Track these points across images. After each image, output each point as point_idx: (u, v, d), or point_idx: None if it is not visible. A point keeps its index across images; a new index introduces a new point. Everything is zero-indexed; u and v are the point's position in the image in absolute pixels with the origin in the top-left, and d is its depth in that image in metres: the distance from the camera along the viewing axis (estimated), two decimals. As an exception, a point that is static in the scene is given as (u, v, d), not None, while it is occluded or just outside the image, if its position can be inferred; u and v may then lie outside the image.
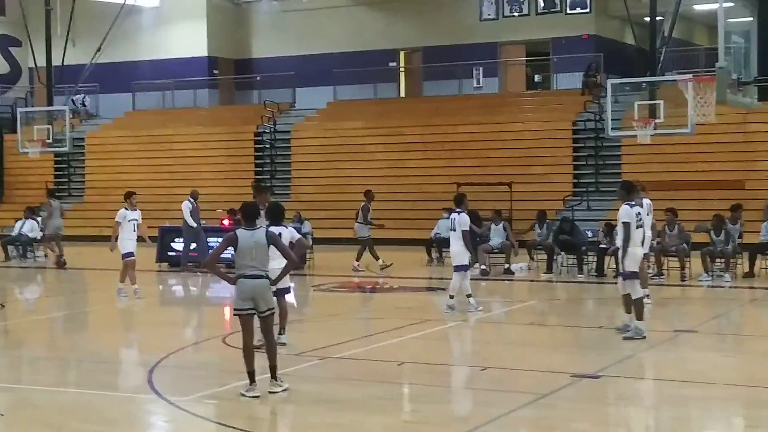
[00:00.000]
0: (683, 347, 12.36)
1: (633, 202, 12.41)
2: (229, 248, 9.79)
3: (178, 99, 37.01)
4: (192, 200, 22.31)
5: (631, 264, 12.27)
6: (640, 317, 12.27)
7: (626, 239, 12.17)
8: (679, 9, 22.81)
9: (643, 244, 12.98)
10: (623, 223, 12.20)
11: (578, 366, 10.88)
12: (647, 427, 8.92)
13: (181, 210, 22.46)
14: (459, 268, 14.70)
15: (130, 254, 17.14)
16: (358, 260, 21.31)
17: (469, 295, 14.78)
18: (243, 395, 9.41)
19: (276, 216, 11.52)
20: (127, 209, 17.17)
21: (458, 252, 14.67)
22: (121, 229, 17.09)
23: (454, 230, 14.75)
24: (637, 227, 12.33)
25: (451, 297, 14.79)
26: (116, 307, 16.79)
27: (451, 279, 15.00)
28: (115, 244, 17.20)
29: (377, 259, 21.22)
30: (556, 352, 11.84)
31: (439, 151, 30.25)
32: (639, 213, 12.46)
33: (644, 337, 12.11)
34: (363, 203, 22.16)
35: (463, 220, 14.58)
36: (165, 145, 34.28)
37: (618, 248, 12.50)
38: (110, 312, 16.62)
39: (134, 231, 17.23)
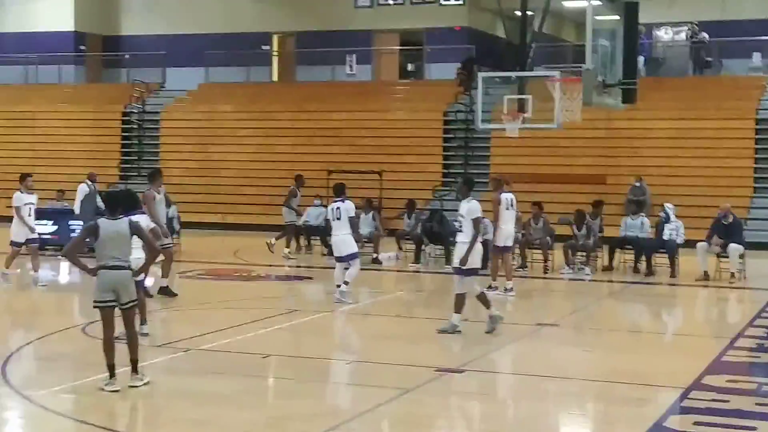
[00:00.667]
0: (545, 341, 12.65)
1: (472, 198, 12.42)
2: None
3: (42, 74, 35.74)
4: (90, 182, 21.31)
5: (477, 260, 12.28)
6: (458, 310, 12.31)
7: (476, 236, 12.10)
8: (549, 5, 23.26)
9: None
10: (477, 218, 12.13)
11: (443, 360, 11.01)
12: (507, 423, 9.08)
13: (74, 192, 21.52)
14: (351, 256, 14.74)
15: (22, 243, 16.41)
16: (287, 247, 20.96)
17: (346, 283, 14.77)
18: (102, 389, 9.17)
19: (131, 203, 11.17)
20: (22, 192, 16.41)
21: (346, 240, 14.66)
22: (16, 214, 16.36)
23: (339, 219, 14.74)
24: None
25: (338, 286, 14.75)
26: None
27: (333, 268, 14.95)
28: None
29: (288, 247, 20.97)
30: (421, 346, 11.94)
31: (310, 137, 30.12)
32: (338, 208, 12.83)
33: (459, 332, 12.20)
34: (291, 187, 21.84)
35: (348, 206, 14.72)
36: (27, 122, 33.10)
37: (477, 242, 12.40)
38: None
39: (29, 215, 16.46)
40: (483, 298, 12.50)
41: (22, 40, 36.00)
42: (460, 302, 12.24)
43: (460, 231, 12.26)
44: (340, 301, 14.59)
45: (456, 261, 12.30)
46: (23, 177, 16.74)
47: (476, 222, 12.10)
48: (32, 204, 16.59)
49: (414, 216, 21.22)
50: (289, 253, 20.81)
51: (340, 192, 15.03)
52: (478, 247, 12.30)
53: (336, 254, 15.07)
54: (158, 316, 13.91)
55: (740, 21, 30.62)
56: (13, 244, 16.50)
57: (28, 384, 9.61)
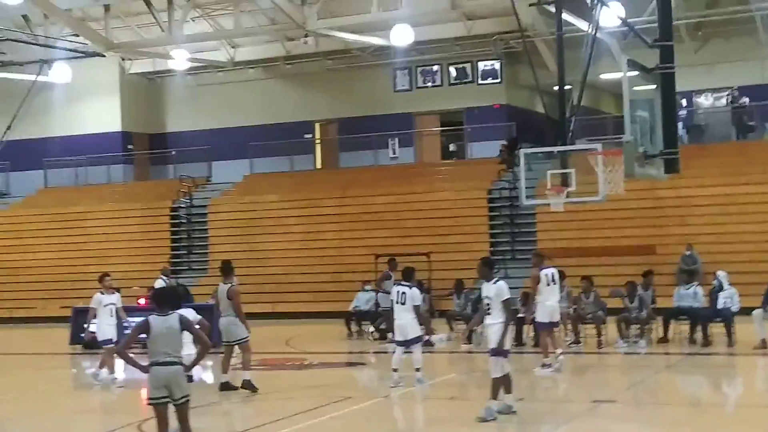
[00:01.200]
0: (602, 418, 12.42)
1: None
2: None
3: (91, 175, 36.55)
4: (165, 278, 21.45)
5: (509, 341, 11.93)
6: (494, 396, 11.81)
7: (509, 318, 11.74)
8: (586, 79, 23.35)
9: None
10: (507, 300, 11.71)
11: (499, 442, 10.84)
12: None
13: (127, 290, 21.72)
14: (416, 340, 14.77)
15: (109, 341, 16.36)
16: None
17: (418, 369, 14.79)
18: (159, 487, 9.14)
19: (175, 300, 11.23)
20: (102, 293, 16.46)
21: (411, 324, 14.62)
22: (99, 315, 16.34)
23: (404, 303, 14.69)
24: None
25: (395, 370, 14.71)
26: (29, 394, 16.24)
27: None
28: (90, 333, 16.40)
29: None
30: (478, 428, 11.77)
31: (355, 222, 30.33)
32: (403, 293, 12.74)
33: (495, 419, 11.63)
34: (385, 271, 21.92)
35: (415, 294, 14.62)
36: (77, 222, 33.74)
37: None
38: (22, 399, 16.06)
39: (111, 316, 16.41)
40: (507, 382, 11.95)
41: (71, 143, 36.91)
42: (496, 387, 11.80)
43: (488, 313, 11.82)
44: (420, 381, 14.65)
45: (491, 344, 11.85)
46: (101, 277, 16.68)
47: (507, 304, 11.69)
48: (113, 304, 16.53)
49: (463, 295, 21.14)
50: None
51: (409, 277, 15.07)
52: (511, 329, 12.02)
53: (400, 338, 14.95)
54: (211, 409, 13.90)
55: (780, 84, 30.54)
56: (101, 342, 16.37)
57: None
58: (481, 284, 12.07)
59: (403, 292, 14.71)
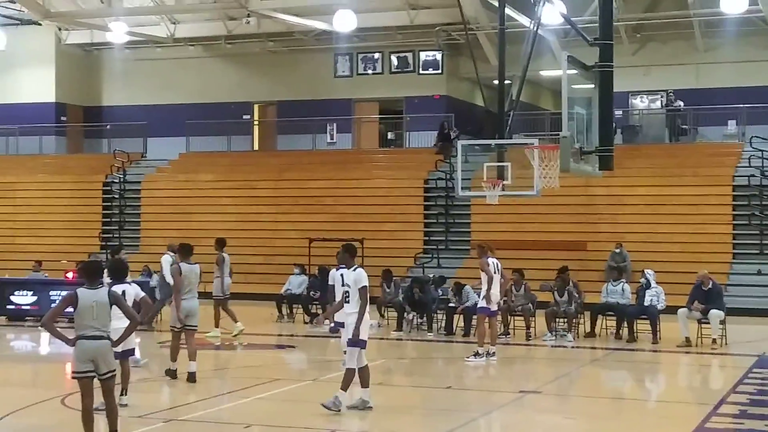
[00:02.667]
0: (527, 408, 12.59)
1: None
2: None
3: (23, 146, 35.81)
4: (171, 254, 20.48)
5: (365, 332, 11.50)
6: (344, 387, 11.52)
7: (365, 305, 11.41)
8: (526, 74, 23.55)
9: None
10: (364, 287, 11.40)
11: (426, 429, 10.94)
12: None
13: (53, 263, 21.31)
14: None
15: None
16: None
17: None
18: (81, 462, 9.05)
19: (118, 273, 11.23)
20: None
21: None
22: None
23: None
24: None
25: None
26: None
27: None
28: None
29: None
30: (403, 414, 11.85)
31: (291, 206, 30.22)
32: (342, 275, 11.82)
33: (339, 411, 11.42)
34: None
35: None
36: (7, 193, 33.08)
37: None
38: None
39: None
40: (364, 374, 11.64)
41: (3, 112, 36.13)
42: (348, 378, 11.48)
43: (347, 302, 11.53)
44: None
45: (348, 333, 11.50)
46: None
47: (363, 291, 11.37)
48: None
49: (393, 284, 21.23)
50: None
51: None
52: (368, 319, 11.56)
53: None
54: (139, 386, 13.77)
55: (714, 89, 31.09)
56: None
57: (6, 457, 9.47)
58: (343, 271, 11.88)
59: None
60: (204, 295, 16.63)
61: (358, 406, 11.60)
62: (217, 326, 19.22)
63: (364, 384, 11.61)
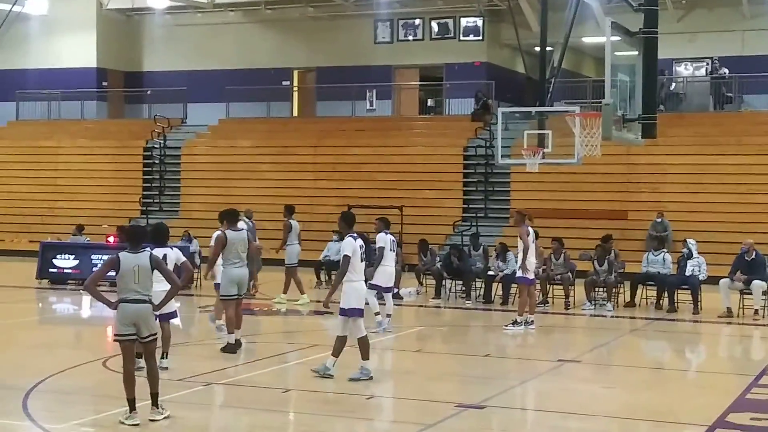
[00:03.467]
0: (566, 377, 12.54)
1: (355, 234, 11.57)
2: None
3: (64, 110, 36.10)
4: (247, 220, 19.71)
5: (355, 300, 11.41)
6: (365, 356, 11.48)
7: (341, 273, 11.39)
8: (568, 41, 23.31)
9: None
10: (345, 255, 11.38)
11: (463, 396, 10.93)
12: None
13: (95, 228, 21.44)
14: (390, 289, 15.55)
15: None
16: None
17: (389, 315, 15.48)
18: (122, 423, 9.16)
19: (160, 237, 11.32)
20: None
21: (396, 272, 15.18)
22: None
23: (393, 250, 15.45)
24: (361, 260, 11.50)
25: (377, 314, 15.18)
26: (-8, 326, 16.18)
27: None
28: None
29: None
30: (441, 381, 11.86)
31: (330, 173, 30.22)
32: (362, 246, 11.56)
33: (371, 377, 11.35)
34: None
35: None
36: (48, 157, 33.35)
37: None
38: (-15, 331, 15.99)
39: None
40: (362, 345, 11.54)
41: (46, 77, 36.37)
42: (339, 345, 11.49)
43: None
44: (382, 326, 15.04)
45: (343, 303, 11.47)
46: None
47: (343, 259, 11.38)
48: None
49: (429, 252, 21.20)
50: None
51: (388, 225, 15.82)
52: (359, 287, 11.49)
53: (388, 284, 15.59)
54: (179, 350, 13.90)
55: (760, 56, 30.56)
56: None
57: (50, 417, 9.60)
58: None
59: (393, 239, 15.35)
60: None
61: (362, 377, 11.42)
62: (285, 292, 19.18)
63: (364, 355, 11.49)
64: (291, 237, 19.57)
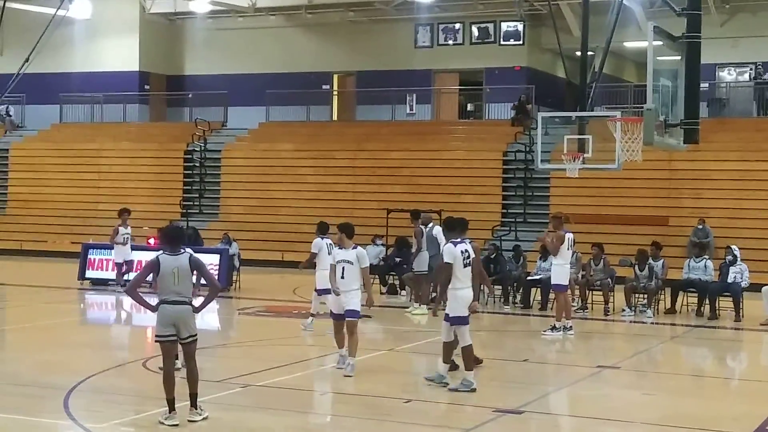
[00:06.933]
0: (605, 383, 12.46)
1: (458, 240, 11.31)
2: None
3: (107, 113, 36.47)
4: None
5: (458, 307, 11.18)
6: (468, 367, 11.25)
7: (447, 280, 11.14)
8: (610, 45, 23.18)
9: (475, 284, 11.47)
10: (445, 263, 11.17)
11: (501, 401, 10.89)
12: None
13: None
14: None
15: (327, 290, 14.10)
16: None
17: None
18: (161, 423, 9.24)
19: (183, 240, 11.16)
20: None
21: None
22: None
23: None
24: (464, 266, 11.17)
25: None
26: (35, 326, 16.38)
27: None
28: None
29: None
30: (480, 386, 11.79)
31: (369, 176, 30.26)
32: (466, 251, 11.23)
33: (474, 390, 11.05)
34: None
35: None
36: (92, 160, 33.71)
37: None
38: (29, 331, 16.19)
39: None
40: (468, 354, 11.31)
41: (89, 80, 36.77)
42: (467, 356, 11.27)
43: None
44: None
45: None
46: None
47: (447, 267, 11.16)
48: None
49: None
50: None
51: (325, 230, 15.28)
52: (461, 295, 11.12)
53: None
54: (217, 351, 13.99)
55: (805, 61, 30.22)
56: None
57: (90, 417, 9.70)
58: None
59: (331, 244, 14.41)
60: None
61: (459, 389, 11.19)
62: (421, 303, 18.64)
63: (467, 366, 11.33)
64: (422, 243, 19.07)
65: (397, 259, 21.91)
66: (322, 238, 15.17)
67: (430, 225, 19.14)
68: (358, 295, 11.86)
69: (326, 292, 14.31)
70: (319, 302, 15.20)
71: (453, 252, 11.14)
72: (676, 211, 26.54)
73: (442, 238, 15.77)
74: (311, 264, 15.28)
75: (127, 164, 33.18)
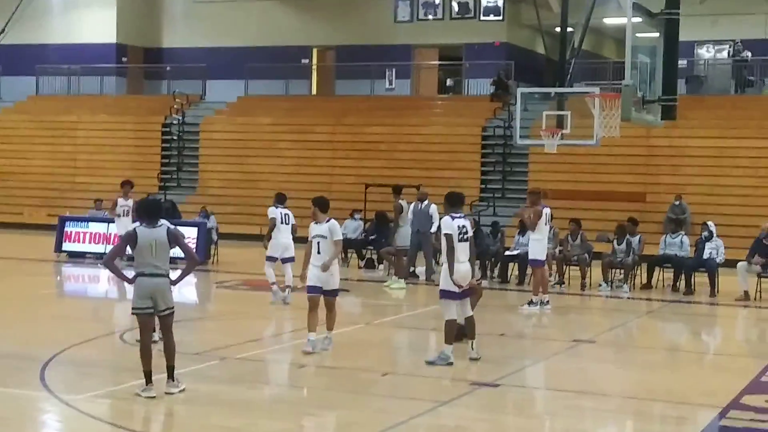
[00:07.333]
0: (581, 357, 12.56)
1: (457, 215, 11.35)
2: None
3: (84, 85, 36.20)
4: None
5: (449, 282, 11.18)
6: (448, 341, 11.21)
7: (451, 251, 11.08)
8: (589, 22, 23.20)
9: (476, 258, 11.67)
10: (445, 234, 11.19)
11: (478, 374, 10.95)
12: (543, 438, 9.02)
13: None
14: None
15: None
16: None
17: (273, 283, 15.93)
18: (138, 395, 9.24)
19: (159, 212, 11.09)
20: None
21: None
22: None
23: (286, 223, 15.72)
24: (460, 240, 11.17)
25: None
26: (11, 298, 16.31)
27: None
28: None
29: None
30: (456, 359, 11.85)
31: (348, 151, 30.24)
32: (463, 226, 11.28)
33: (450, 363, 11.05)
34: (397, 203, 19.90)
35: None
36: (69, 132, 33.50)
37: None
38: (4, 303, 16.11)
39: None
40: (468, 325, 11.50)
41: (66, 52, 36.46)
42: (448, 330, 11.28)
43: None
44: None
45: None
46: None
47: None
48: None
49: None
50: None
51: (282, 200, 16.04)
52: (461, 268, 11.14)
53: (283, 256, 15.88)
54: (194, 324, 13.99)
55: (783, 39, 30.35)
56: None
57: (66, 388, 9.69)
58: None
59: (287, 214, 15.77)
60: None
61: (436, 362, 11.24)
62: (400, 277, 18.79)
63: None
64: (402, 218, 19.26)
65: (371, 237, 21.92)
66: (277, 207, 15.81)
67: (426, 202, 19.27)
68: (337, 270, 11.81)
69: (274, 260, 15.71)
70: (270, 269, 15.79)
71: (451, 225, 11.21)
72: (653, 187, 26.69)
73: (437, 216, 16.24)
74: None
75: (104, 137, 32.99)
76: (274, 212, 15.76)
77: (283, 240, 15.73)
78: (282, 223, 15.77)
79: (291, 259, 15.83)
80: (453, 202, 11.55)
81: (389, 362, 11.80)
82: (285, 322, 14.80)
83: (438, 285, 11.61)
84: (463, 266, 11.27)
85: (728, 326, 16.80)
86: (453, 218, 11.30)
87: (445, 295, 11.29)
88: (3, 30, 29.12)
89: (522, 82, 30.22)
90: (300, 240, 22.91)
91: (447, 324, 11.31)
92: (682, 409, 9.78)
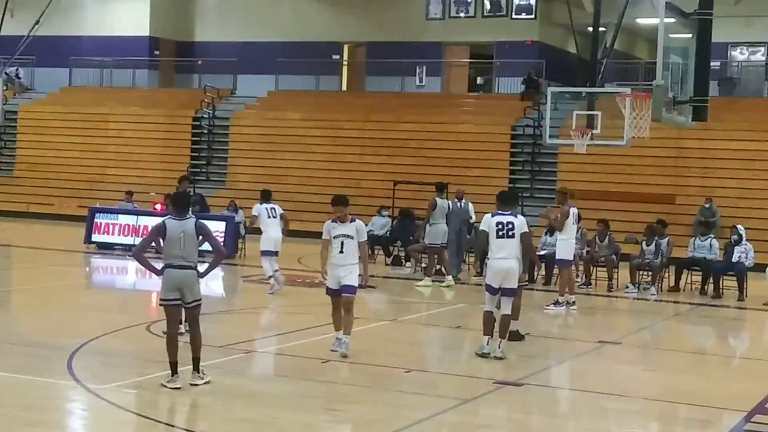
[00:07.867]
0: (606, 359, 12.51)
1: (505, 212, 11.45)
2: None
3: (116, 78, 36.45)
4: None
5: (488, 276, 11.52)
6: (484, 332, 11.52)
7: (483, 248, 11.40)
8: (622, 21, 23.09)
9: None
10: (480, 230, 11.49)
11: (502, 372, 10.95)
12: (566, 438, 9.00)
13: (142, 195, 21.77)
14: None
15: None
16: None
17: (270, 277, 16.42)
18: (164, 386, 9.31)
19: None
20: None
21: None
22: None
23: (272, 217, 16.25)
24: (497, 237, 11.27)
25: None
26: (41, 288, 16.47)
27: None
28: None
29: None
30: (481, 358, 11.86)
31: (377, 148, 30.24)
32: (503, 223, 11.30)
33: (484, 355, 11.36)
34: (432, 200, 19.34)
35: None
36: (100, 124, 33.72)
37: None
38: (34, 292, 16.29)
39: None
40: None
41: (99, 44, 36.70)
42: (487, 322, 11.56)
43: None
44: None
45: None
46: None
47: (482, 235, 11.48)
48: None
49: (473, 231, 21.13)
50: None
51: (268, 197, 16.69)
52: (492, 265, 11.35)
53: (275, 249, 16.43)
54: (220, 317, 14.07)
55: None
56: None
57: (93, 378, 9.77)
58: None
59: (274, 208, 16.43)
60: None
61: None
62: (428, 275, 18.70)
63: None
64: (435, 216, 18.99)
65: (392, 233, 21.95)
66: (262, 203, 16.52)
67: (464, 200, 19.37)
68: (356, 270, 11.48)
69: (267, 254, 16.24)
70: (268, 262, 16.28)
71: (488, 222, 11.38)
72: (683, 190, 26.51)
73: (473, 213, 16.43)
74: (255, 228, 16.83)
75: (135, 129, 33.18)
76: (259, 208, 16.44)
77: (273, 234, 16.30)
78: (269, 217, 16.36)
79: (276, 253, 16.40)
80: (504, 201, 11.67)
81: (414, 359, 11.81)
82: (309, 317, 14.83)
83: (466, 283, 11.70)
84: (498, 263, 11.31)
85: (756, 330, 16.67)
86: (493, 215, 11.38)
87: (486, 287, 11.62)
88: (38, 22, 29.32)
89: (553, 82, 30.14)
90: (300, 234, 23.03)
91: (482, 315, 11.51)
92: (707, 412, 9.73)
